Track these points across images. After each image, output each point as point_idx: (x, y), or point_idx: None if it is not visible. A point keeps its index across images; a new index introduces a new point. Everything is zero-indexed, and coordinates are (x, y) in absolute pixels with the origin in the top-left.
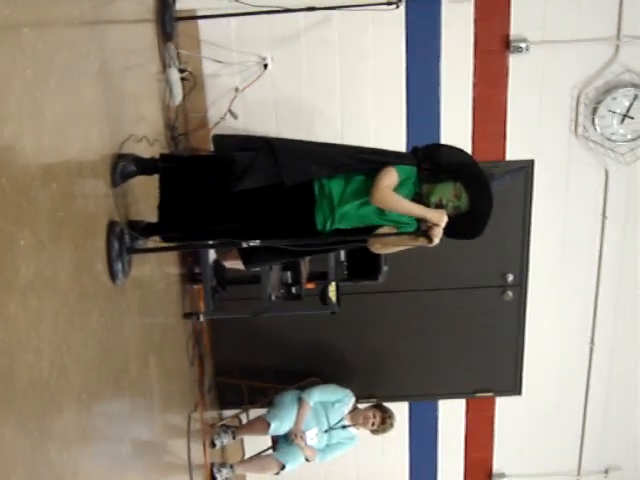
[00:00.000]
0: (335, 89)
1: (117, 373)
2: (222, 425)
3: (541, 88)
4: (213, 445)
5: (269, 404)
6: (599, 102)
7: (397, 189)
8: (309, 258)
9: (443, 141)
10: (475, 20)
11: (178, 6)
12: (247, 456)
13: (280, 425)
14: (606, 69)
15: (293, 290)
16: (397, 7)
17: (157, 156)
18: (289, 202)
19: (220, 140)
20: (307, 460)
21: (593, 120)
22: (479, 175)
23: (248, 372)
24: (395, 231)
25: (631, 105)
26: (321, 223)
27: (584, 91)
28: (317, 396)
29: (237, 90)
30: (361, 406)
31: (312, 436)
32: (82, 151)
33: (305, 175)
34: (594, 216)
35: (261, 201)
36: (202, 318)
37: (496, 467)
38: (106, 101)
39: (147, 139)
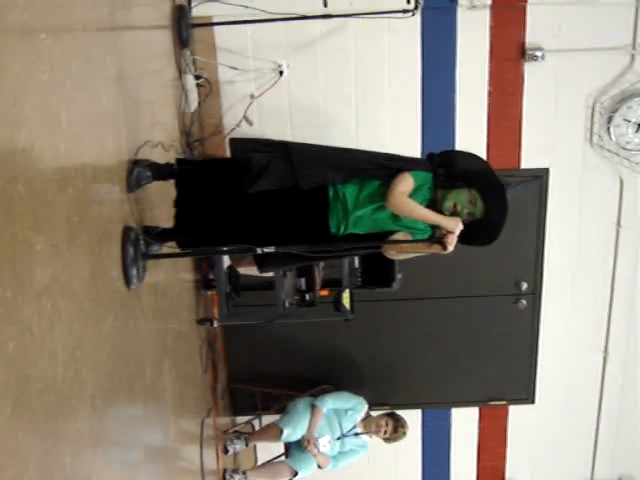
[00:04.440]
0: (350, 96)
1: (131, 378)
2: (235, 431)
3: (556, 96)
4: (226, 451)
5: (282, 411)
6: (614, 111)
7: (412, 195)
8: (323, 265)
9: (458, 148)
10: (491, 28)
11: (194, 13)
12: (259, 463)
13: (293, 432)
14: (621, 78)
15: (307, 297)
16: (413, 15)
17: (173, 162)
18: (303, 205)
19: (237, 143)
20: (319, 467)
21: (608, 129)
22: (494, 182)
23: (261, 378)
24: (410, 237)
25: None
26: (335, 227)
27: (599, 100)
28: (330, 403)
29: (252, 97)
30: (374, 414)
31: (325, 443)
32: (98, 156)
33: (321, 179)
34: (609, 225)
35: (275, 203)
36: (216, 324)
37: (509, 475)
38: (122, 107)
39: (163, 145)
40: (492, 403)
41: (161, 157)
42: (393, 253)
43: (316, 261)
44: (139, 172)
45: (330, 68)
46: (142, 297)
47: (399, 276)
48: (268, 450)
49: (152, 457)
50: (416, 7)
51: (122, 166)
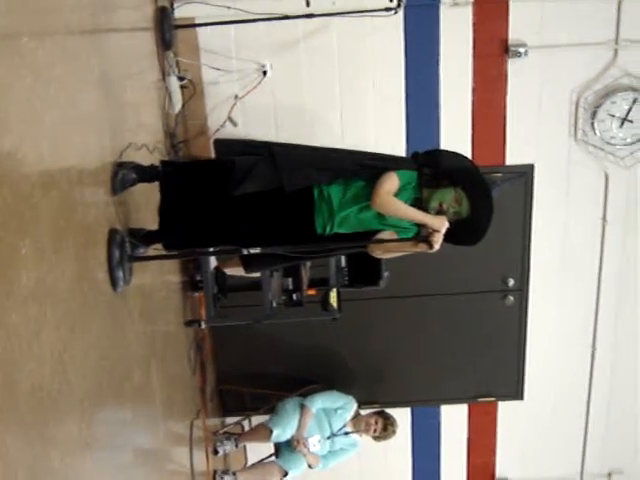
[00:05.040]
0: (335, 95)
1: (119, 381)
2: (224, 432)
3: (540, 92)
4: (216, 452)
5: (271, 411)
6: (598, 106)
7: (397, 194)
8: (310, 264)
9: (443, 146)
10: (474, 25)
11: (177, 14)
12: (249, 463)
13: (282, 432)
14: (605, 73)
15: (294, 297)
16: (396, 13)
17: (157, 163)
18: (289, 206)
19: (221, 144)
20: (310, 467)
21: (592, 124)
22: (480, 181)
23: (250, 379)
24: (395, 236)
25: (630, 109)
26: (321, 227)
27: (583, 95)
28: (319, 403)
29: (236, 97)
30: (363, 412)
31: (314, 443)
32: (82, 159)
33: (305, 181)
34: (594, 220)
35: (261, 204)
36: (203, 325)
37: (499, 472)
38: (106, 109)
39: (147, 147)
40: (481, 400)
41: (145, 159)
42: (379, 252)
43: (303, 261)
44: (124, 174)
45: (314, 68)
46: (129, 300)
47: (386, 274)
48: (258, 451)
49: (142, 459)
50: (399, 5)
51: (106, 169)
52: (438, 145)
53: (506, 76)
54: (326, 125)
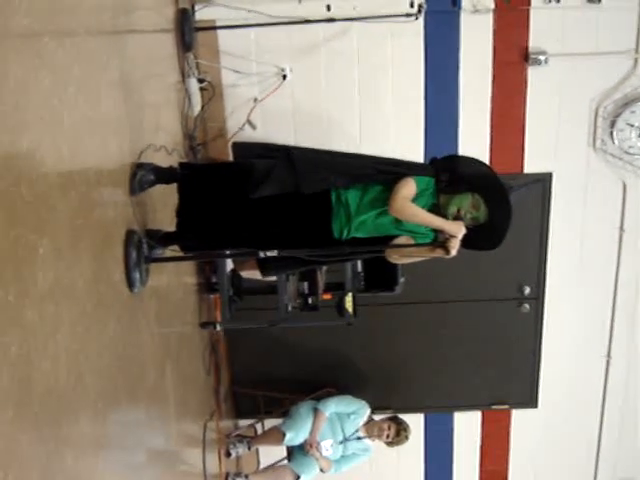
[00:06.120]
0: (354, 100)
1: (133, 381)
2: (237, 435)
3: (560, 101)
4: (228, 455)
5: (284, 414)
6: (617, 115)
7: (415, 200)
8: (326, 268)
9: (461, 152)
10: (494, 32)
11: (198, 16)
12: (262, 466)
13: (295, 435)
14: (625, 82)
15: (310, 301)
16: (416, 19)
17: (175, 165)
18: (306, 210)
19: (239, 147)
20: (322, 471)
21: (611, 133)
22: (498, 187)
23: (264, 382)
24: (412, 241)
25: None
26: (337, 231)
27: (602, 104)
28: (333, 407)
29: (256, 100)
30: (376, 417)
31: (327, 447)
32: (101, 160)
33: (323, 185)
34: (611, 229)
35: (278, 208)
36: (219, 327)
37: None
38: (125, 110)
39: (166, 148)
40: (495, 407)
41: (164, 161)
42: (396, 257)
43: (319, 265)
44: (142, 176)
45: (333, 72)
46: (145, 300)
47: (402, 280)
48: (271, 454)
49: (154, 460)
50: (419, 11)
51: (125, 170)
52: (456, 151)
53: (526, 83)
54: (344, 129)
